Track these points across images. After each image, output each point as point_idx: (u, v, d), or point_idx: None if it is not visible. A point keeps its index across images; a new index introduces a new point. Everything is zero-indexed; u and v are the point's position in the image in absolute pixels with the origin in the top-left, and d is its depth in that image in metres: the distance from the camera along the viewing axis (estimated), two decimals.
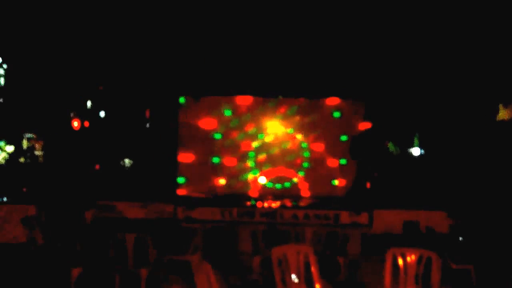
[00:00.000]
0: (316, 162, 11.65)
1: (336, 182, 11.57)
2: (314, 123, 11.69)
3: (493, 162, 10.72)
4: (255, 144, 11.70)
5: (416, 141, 12.43)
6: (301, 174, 11.65)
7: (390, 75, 11.15)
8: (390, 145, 12.09)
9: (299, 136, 11.69)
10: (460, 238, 7.92)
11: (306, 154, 11.67)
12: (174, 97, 11.59)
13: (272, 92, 11.58)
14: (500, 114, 11.42)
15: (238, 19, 10.21)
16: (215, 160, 11.63)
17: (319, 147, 11.66)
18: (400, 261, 5.39)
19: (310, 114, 11.70)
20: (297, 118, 11.74)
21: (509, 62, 10.45)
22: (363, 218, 9.83)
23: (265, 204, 10.57)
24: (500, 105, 11.41)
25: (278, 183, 11.66)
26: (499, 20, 9.91)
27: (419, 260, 5.37)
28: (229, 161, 11.63)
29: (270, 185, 11.66)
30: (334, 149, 11.62)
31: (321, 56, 10.98)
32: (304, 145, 11.69)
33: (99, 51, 10.99)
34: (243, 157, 11.66)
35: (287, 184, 11.66)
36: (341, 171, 11.60)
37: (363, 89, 11.24)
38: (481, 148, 11.04)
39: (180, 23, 10.42)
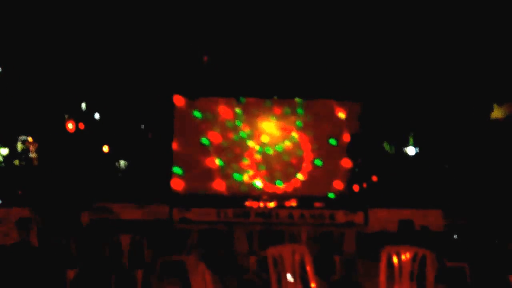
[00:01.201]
0: (312, 163, 11.65)
1: (332, 181, 11.56)
2: (309, 124, 11.70)
3: (487, 160, 10.78)
4: (251, 144, 11.69)
5: (411, 140, 12.47)
6: (299, 176, 11.64)
7: (385, 75, 11.19)
8: (385, 145, 12.12)
9: (294, 136, 11.70)
10: (455, 236, 7.96)
11: (300, 153, 11.67)
12: (169, 97, 11.58)
13: (267, 92, 11.59)
14: (494, 113, 11.49)
15: (233, 20, 10.21)
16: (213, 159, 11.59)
17: (314, 146, 11.67)
18: (395, 259, 5.41)
19: (306, 115, 11.72)
20: (293, 118, 11.76)
21: (503, 62, 10.51)
22: (359, 217, 9.87)
23: (261, 204, 10.59)
24: (494, 104, 11.47)
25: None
26: (493, 21, 9.96)
27: (413, 258, 5.40)
28: (226, 161, 11.63)
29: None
30: (329, 149, 11.63)
31: (317, 57, 11.00)
32: (299, 145, 11.70)
33: (92, 53, 10.96)
34: (239, 157, 11.65)
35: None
36: (337, 171, 11.61)
37: (358, 89, 11.27)
38: (475, 147, 11.09)
39: (175, 23, 10.41)
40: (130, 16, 10.15)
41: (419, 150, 12.29)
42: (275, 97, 11.73)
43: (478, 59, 10.66)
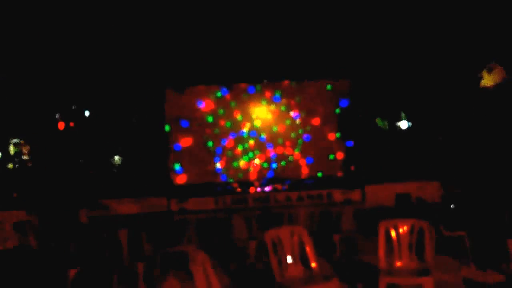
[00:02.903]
0: (304, 144, 11.67)
1: (327, 161, 11.59)
2: (300, 105, 11.69)
3: (479, 129, 10.80)
4: (244, 129, 11.68)
5: (403, 114, 12.46)
6: (294, 158, 11.67)
7: (372, 51, 11.13)
8: (378, 120, 12.11)
9: (286, 120, 11.69)
10: (452, 206, 8.00)
11: (293, 135, 11.68)
12: (158, 88, 11.52)
13: (256, 77, 11.55)
14: (483, 81, 11.46)
15: (215, 3, 10.10)
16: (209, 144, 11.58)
17: (307, 128, 11.67)
18: (393, 233, 5.45)
19: (296, 96, 11.70)
20: (284, 101, 11.74)
21: (490, 28, 10.47)
22: (356, 194, 9.90)
23: (258, 189, 10.60)
24: (483, 71, 11.44)
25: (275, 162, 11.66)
26: None
27: (411, 230, 5.43)
28: (221, 148, 11.62)
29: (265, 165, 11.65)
30: (322, 129, 11.64)
31: (303, 37, 10.92)
32: (292, 127, 11.70)
33: (79, 48, 10.84)
34: (233, 144, 11.64)
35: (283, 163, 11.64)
36: (331, 150, 11.63)
37: (346, 66, 11.23)
38: (467, 116, 11.10)
39: (159, 13, 10.30)
40: (116, 13, 10.03)
41: (412, 123, 12.29)
42: (265, 81, 11.68)
43: (465, 26, 10.60)
